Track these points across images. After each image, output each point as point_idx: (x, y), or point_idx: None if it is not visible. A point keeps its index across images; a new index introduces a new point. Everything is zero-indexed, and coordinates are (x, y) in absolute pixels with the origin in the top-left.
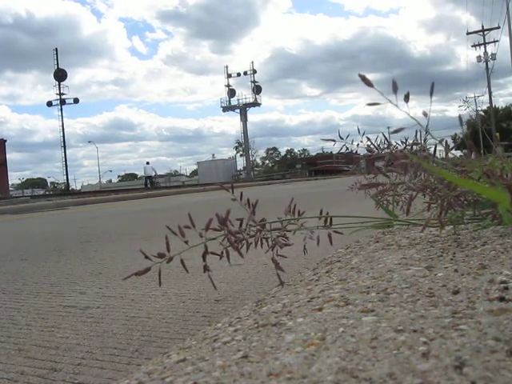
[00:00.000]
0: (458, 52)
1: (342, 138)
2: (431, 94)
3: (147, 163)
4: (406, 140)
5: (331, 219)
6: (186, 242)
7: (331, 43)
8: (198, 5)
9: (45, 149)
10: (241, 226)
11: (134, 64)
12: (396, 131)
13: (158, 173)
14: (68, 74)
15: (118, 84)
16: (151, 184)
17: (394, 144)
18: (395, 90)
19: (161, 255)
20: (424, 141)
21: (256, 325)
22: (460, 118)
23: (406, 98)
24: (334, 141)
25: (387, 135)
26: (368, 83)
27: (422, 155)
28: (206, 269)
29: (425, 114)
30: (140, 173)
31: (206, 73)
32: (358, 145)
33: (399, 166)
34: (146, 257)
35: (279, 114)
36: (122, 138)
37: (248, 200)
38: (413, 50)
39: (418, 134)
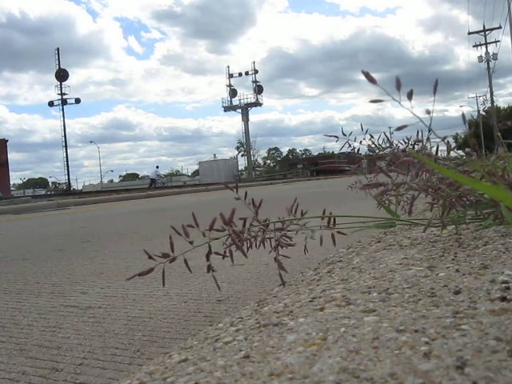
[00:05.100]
0: (457, 51)
1: (344, 135)
2: (435, 92)
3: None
4: (409, 139)
5: (334, 219)
6: (191, 243)
7: (328, 43)
8: (193, 4)
9: (44, 149)
10: (244, 225)
11: (130, 64)
12: (399, 128)
13: (161, 173)
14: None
15: (115, 84)
16: (154, 185)
17: (396, 143)
18: (398, 86)
19: (165, 255)
20: (427, 139)
21: (257, 325)
22: (463, 115)
23: (410, 96)
24: (336, 137)
25: (388, 135)
26: (371, 80)
27: (424, 153)
28: (210, 269)
29: (428, 111)
30: (141, 173)
31: (203, 73)
32: (360, 142)
33: (401, 164)
34: (150, 257)
35: (278, 114)
36: (121, 138)
37: (253, 200)
38: (411, 49)
39: (420, 133)
